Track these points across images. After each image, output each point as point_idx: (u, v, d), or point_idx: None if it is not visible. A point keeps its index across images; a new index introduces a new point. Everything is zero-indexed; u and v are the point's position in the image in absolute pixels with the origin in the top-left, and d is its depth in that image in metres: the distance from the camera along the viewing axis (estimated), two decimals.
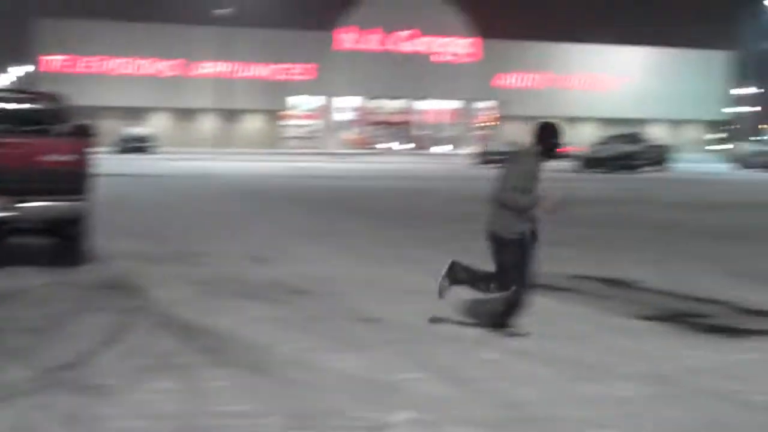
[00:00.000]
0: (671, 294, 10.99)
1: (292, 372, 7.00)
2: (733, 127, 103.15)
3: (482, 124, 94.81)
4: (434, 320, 9.03)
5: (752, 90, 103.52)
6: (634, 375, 7.15)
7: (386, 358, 7.50)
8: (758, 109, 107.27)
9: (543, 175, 8.27)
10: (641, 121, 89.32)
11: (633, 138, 56.34)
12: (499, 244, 8.37)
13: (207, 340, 8.04)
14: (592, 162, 51.49)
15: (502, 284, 8.39)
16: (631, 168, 49.85)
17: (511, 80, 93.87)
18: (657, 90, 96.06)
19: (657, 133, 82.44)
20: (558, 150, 8.36)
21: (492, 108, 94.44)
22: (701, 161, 69.24)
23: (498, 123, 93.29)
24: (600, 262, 13.54)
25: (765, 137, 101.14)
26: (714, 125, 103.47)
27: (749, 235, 18.27)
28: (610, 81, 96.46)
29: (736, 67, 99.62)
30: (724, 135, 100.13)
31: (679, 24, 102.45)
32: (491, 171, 40.50)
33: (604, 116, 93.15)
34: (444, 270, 8.66)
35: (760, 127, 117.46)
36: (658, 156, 54.14)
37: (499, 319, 8.47)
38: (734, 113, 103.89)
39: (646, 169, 51.11)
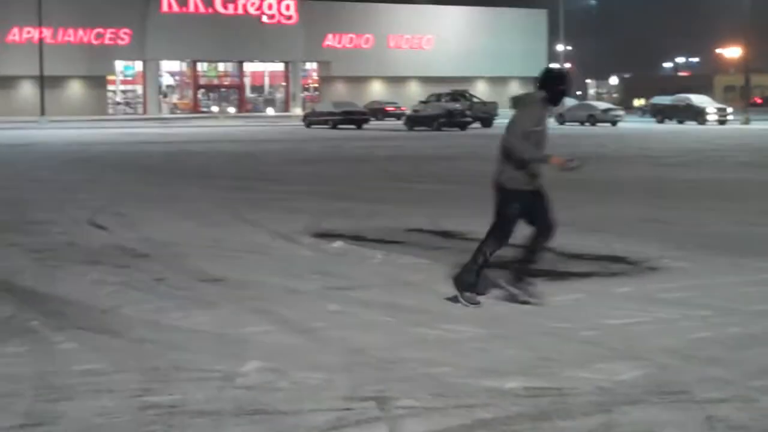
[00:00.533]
0: None
1: (139, 332, 7.14)
2: None
3: (310, 85, 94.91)
4: (277, 277, 9.29)
5: (568, 47, 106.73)
6: (468, 318, 7.60)
7: (233, 314, 7.73)
8: (572, 66, 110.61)
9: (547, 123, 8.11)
10: (467, 79, 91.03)
11: (458, 96, 57.50)
12: (503, 196, 8.05)
13: (49, 305, 8.08)
14: (418, 120, 52.44)
15: (494, 236, 8.10)
16: (458, 125, 50.96)
17: (337, 41, 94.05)
18: (481, 48, 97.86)
19: (482, 91, 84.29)
20: (563, 97, 8.10)
21: (319, 69, 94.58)
22: None
23: (325, 84, 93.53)
24: (432, 216, 14.05)
25: (582, 93, 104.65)
26: (536, 81, 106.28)
27: (568, 186, 19.16)
28: (435, 40, 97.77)
29: (553, 24, 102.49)
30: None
31: None
32: (320, 131, 40.90)
33: (430, 75, 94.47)
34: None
35: (586, 81, 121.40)
36: (483, 113, 55.53)
37: (463, 283, 8.12)
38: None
39: (473, 126, 52.36)
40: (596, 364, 6.24)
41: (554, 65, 8.03)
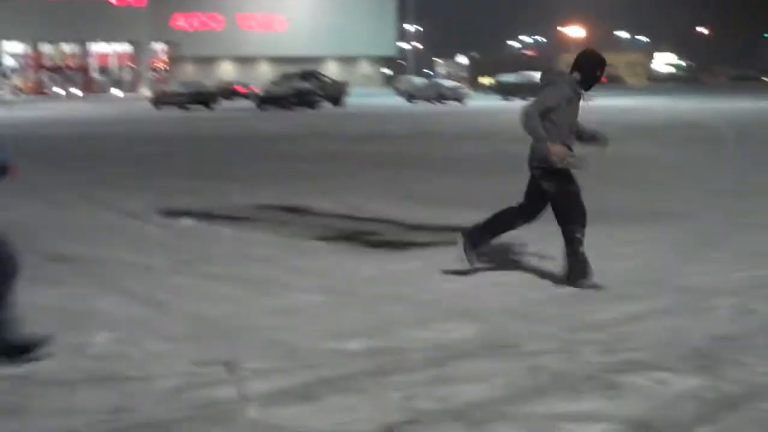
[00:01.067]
0: (346, 217, 11.93)
1: None
2: (401, 62, 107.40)
3: (158, 66, 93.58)
4: (126, 253, 9.41)
5: (416, 27, 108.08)
6: (313, 288, 7.89)
7: (82, 290, 7.83)
8: (420, 46, 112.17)
9: (579, 106, 7.84)
10: (318, 59, 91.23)
11: (309, 75, 57.68)
12: (554, 177, 7.75)
13: None
14: (269, 100, 52.47)
15: (573, 217, 7.81)
16: (308, 105, 51.23)
17: (186, 21, 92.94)
18: (332, 28, 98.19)
19: (332, 70, 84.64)
20: (597, 82, 7.83)
21: (167, 49, 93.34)
22: (375, 95, 71.92)
23: (174, 64, 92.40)
24: (281, 193, 14.30)
25: (430, 72, 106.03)
26: (386, 61, 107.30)
27: (415, 162, 19.71)
28: (286, 20, 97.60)
29: (402, 4, 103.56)
30: (392, 71, 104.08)
31: None
32: (169, 112, 40.16)
33: (280, 55, 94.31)
34: (460, 244, 8.10)
35: (434, 60, 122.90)
36: (334, 92, 55.89)
37: (575, 274, 7.82)
38: (402, 49, 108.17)
39: (324, 105, 52.67)
40: (433, 324, 6.62)
41: (588, 49, 7.57)
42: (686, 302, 7.27)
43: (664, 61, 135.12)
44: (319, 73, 61.93)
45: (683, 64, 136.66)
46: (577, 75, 7.73)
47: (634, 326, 6.55)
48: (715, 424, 4.73)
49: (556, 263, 8.68)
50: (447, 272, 8.24)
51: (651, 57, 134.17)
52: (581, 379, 5.41)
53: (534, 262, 8.83)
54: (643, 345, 6.06)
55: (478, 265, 8.19)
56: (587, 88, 7.78)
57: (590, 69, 7.74)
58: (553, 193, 7.81)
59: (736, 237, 10.20)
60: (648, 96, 66.76)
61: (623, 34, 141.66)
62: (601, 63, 7.81)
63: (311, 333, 6.47)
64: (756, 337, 6.27)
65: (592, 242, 9.79)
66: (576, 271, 7.81)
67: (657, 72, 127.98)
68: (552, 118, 7.61)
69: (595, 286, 7.72)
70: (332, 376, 5.50)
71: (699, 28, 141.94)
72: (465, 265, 8.09)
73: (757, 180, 15.73)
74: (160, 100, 57.23)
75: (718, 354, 5.86)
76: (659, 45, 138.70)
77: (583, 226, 7.85)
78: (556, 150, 7.54)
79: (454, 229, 10.69)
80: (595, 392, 5.19)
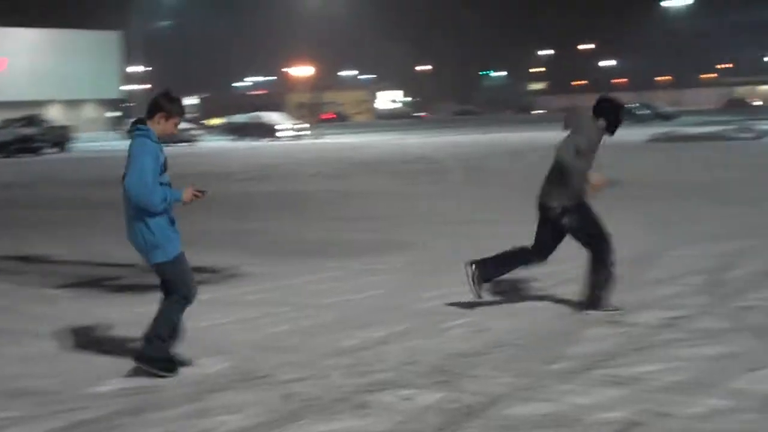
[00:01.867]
0: (86, 263, 11.78)
1: None
2: (128, 104, 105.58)
3: None
4: None
5: (142, 68, 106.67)
6: (59, 335, 7.76)
7: None
8: (149, 86, 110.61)
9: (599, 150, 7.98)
10: (38, 103, 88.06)
11: (31, 120, 55.70)
12: (575, 214, 7.91)
13: None
14: None
15: (597, 250, 7.93)
16: (32, 151, 49.57)
17: None
18: (51, 70, 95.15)
19: (55, 114, 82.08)
20: (621, 125, 8.04)
21: None
22: (101, 139, 70.37)
23: None
24: (14, 242, 13.92)
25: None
26: (112, 103, 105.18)
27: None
28: (3, 62, 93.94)
29: (127, 46, 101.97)
30: (120, 113, 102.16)
31: (66, 5, 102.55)
32: None
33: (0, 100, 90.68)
34: (470, 275, 8.05)
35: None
36: (58, 137, 54.24)
37: (595, 297, 7.99)
38: (129, 91, 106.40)
39: (48, 151, 51.09)
40: None
41: (606, 95, 7.63)
42: (424, 325, 7.74)
43: (389, 98, 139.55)
44: (41, 118, 59.99)
45: (408, 100, 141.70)
46: (602, 122, 7.95)
47: (378, 350, 6.93)
48: (459, 431, 5.13)
49: (294, 298, 9.01)
50: (451, 304, 8.36)
51: (376, 94, 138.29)
52: (333, 402, 5.70)
53: (273, 298, 9.11)
54: (388, 366, 6.43)
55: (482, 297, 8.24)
56: (613, 133, 8.03)
57: (615, 115, 8.02)
58: (581, 226, 7.98)
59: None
60: (375, 132, 68.78)
61: (349, 72, 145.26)
62: (623, 107, 8.14)
63: (63, 379, 6.44)
64: (490, 351, 6.79)
65: (336, 275, 10.23)
66: (600, 299, 7.99)
67: (382, 109, 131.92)
68: (583, 159, 7.84)
69: (616, 309, 7.95)
70: (91, 418, 5.53)
71: (421, 66, 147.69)
72: (473, 296, 8.14)
73: (479, 208, 16.73)
74: None
75: (457, 369, 6.31)
76: (384, 82, 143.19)
77: (611, 250, 8.02)
78: (599, 182, 7.88)
79: (201, 269, 10.87)
80: (346, 412, 5.49)
